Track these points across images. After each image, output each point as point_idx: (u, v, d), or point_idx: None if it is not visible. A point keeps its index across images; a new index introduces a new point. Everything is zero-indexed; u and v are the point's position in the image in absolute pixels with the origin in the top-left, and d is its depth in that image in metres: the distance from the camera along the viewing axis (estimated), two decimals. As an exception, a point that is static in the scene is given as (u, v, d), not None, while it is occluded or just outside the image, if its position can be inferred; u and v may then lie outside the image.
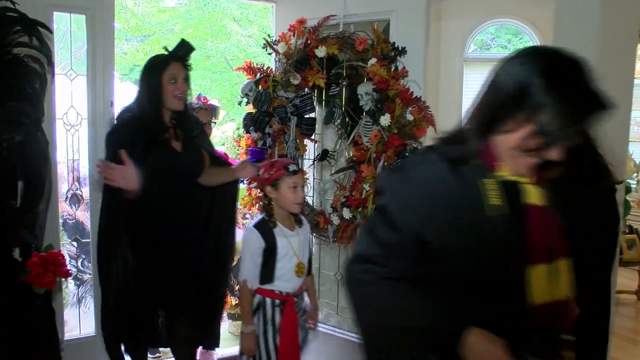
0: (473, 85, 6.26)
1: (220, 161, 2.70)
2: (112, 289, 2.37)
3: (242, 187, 3.02)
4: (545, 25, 5.99)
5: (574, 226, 1.21)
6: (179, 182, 2.39)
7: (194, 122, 2.58)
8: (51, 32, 2.53)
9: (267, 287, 2.24)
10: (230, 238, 2.75)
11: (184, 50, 2.39)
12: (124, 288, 2.32)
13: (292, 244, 2.25)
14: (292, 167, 2.20)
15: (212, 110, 3.50)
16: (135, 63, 8.83)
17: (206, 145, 2.64)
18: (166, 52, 2.36)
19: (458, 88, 6.03)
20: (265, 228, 2.23)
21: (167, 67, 2.31)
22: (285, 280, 2.23)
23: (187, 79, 2.38)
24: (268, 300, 2.23)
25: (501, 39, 6.93)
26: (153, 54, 2.43)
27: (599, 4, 2.15)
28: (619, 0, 2.25)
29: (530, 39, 6.24)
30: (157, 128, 2.34)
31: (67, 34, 2.83)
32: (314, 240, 3.09)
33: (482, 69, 6.38)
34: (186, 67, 2.38)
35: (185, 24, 8.23)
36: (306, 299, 2.44)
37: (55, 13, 2.73)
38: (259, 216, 2.34)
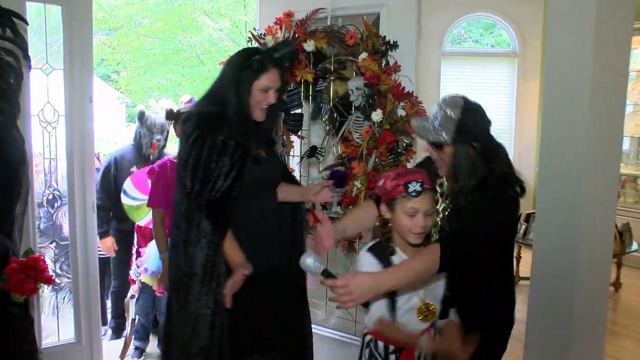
0: (450, 79, 6.31)
1: (288, 174, 2.39)
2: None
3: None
4: (521, 19, 6.10)
5: None
6: (267, 194, 2.09)
7: (271, 128, 2.26)
8: (26, 22, 2.39)
9: None
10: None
11: (285, 51, 2.00)
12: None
13: None
14: (413, 188, 1.59)
15: None
16: (102, 57, 8.59)
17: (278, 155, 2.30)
18: (262, 48, 1.97)
19: (436, 82, 6.05)
20: (381, 252, 1.71)
21: (263, 74, 1.91)
22: (403, 323, 1.68)
23: (279, 90, 1.99)
24: (380, 343, 1.71)
25: (473, 32, 6.99)
26: (244, 47, 1.97)
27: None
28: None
29: (507, 33, 6.31)
30: (248, 140, 1.95)
31: (42, 25, 2.67)
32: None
33: (459, 63, 6.43)
34: (283, 76, 2.00)
35: (154, 17, 8.03)
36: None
37: (27, 3, 2.57)
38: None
